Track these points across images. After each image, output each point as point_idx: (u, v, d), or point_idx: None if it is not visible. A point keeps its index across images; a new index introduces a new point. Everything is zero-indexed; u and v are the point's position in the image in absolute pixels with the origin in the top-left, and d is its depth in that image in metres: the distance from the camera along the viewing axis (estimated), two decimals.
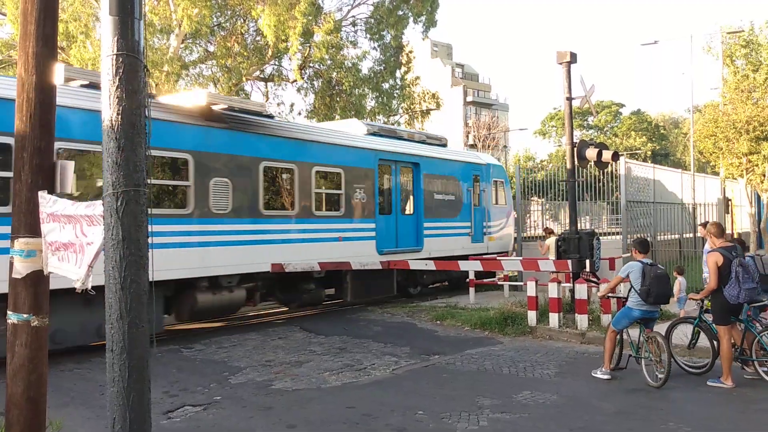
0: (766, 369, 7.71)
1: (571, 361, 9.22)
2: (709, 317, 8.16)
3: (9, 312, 3.89)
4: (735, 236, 18.38)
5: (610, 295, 9.32)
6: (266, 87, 30.10)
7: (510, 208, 19.13)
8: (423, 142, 16.82)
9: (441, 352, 9.90)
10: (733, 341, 7.77)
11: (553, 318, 11.20)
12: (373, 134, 15.30)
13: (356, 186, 13.93)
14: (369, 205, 14.21)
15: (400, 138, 16.19)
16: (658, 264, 8.22)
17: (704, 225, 10.00)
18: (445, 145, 17.80)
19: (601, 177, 17.35)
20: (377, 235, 14.34)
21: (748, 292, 7.47)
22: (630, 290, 8.02)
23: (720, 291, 7.63)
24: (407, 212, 15.68)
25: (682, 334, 8.80)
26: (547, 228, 17.13)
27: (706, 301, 8.15)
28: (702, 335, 8.47)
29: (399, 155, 15.27)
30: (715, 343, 8.03)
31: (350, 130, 14.98)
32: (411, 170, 15.74)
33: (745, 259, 7.74)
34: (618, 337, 8.24)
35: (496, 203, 18.41)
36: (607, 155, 12.14)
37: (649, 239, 16.22)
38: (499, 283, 16.82)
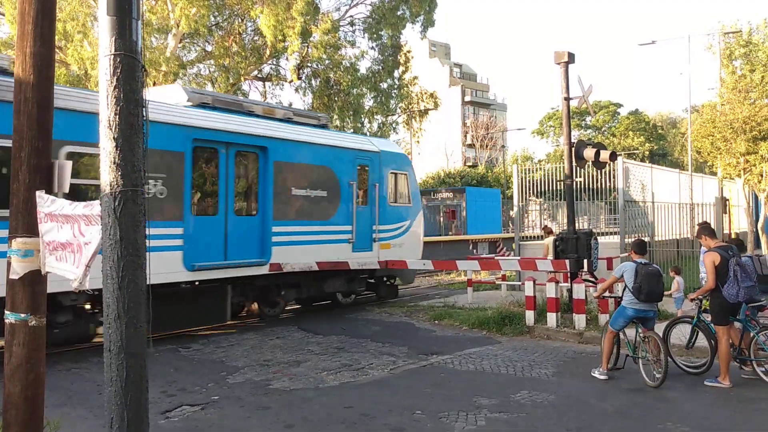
0: (763, 369, 7.73)
1: (569, 361, 9.23)
2: (707, 317, 8.18)
3: (6, 311, 3.89)
4: (732, 236, 18.42)
5: (605, 295, 9.36)
6: (264, 87, 30.13)
7: (417, 206, 15.74)
8: (288, 120, 13.13)
9: (439, 351, 9.90)
10: (731, 341, 7.79)
11: (551, 318, 11.21)
12: (201, 105, 11.42)
13: (150, 176, 9.94)
14: (174, 202, 10.45)
15: (247, 113, 12.33)
16: (653, 264, 8.26)
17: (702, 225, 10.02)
18: (324, 126, 14.30)
19: (599, 177, 17.37)
20: (186, 243, 10.57)
21: (747, 290, 7.50)
22: (624, 289, 8.07)
23: (719, 291, 7.65)
24: (247, 212, 12.08)
25: (681, 333, 8.82)
26: (545, 227, 17.06)
27: (704, 301, 8.17)
28: (700, 335, 8.49)
29: (232, 135, 11.38)
30: (713, 342, 8.05)
31: (162, 99, 11.08)
32: (255, 156, 12.00)
33: (741, 259, 7.77)
34: (615, 337, 8.27)
35: (395, 201, 14.96)
36: (604, 155, 12.16)
37: (647, 239, 16.26)
38: (497, 282, 16.81)
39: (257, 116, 12.45)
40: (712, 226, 8.65)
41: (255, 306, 13.10)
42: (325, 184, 13.20)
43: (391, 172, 14.94)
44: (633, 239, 8.72)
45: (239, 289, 11.91)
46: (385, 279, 15.51)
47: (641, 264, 7.93)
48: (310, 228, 12.83)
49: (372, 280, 15.13)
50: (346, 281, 14.06)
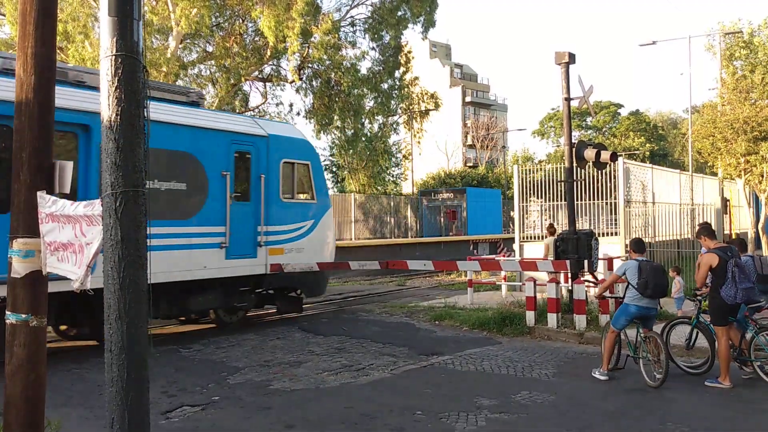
0: (764, 369, 7.73)
1: (570, 362, 9.23)
2: (707, 318, 8.18)
3: (7, 312, 3.90)
4: (733, 236, 18.41)
5: (606, 294, 9.34)
6: (265, 87, 30.16)
7: (323, 204, 13.43)
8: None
9: (440, 352, 9.91)
10: (731, 342, 7.79)
11: (552, 318, 11.21)
12: (2, 72, 8.75)
13: None
14: None
15: (74, 83, 9.76)
16: (653, 261, 8.28)
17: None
18: (196, 104, 11.73)
19: (600, 177, 17.36)
20: None
21: (745, 291, 7.50)
22: (627, 287, 8.05)
23: (717, 292, 7.65)
24: None
25: (681, 334, 8.82)
26: (550, 225, 16.92)
27: (703, 302, 8.18)
28: (700, 336, 8.49)
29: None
30: (713, 343, 8.05)
31: None
32: (74, 137, 9.51)
33: (740, 259, 7.77)
34: (616, 337, 8.27)
35: (291, 197, 12.63)
36: (605, 156, 12.16)
37: (647, 240, 16.23)
38: (498, 283, 16.80)
39: (89, 88, 9.66)
40: (713, 227, 8.66)
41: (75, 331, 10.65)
42: (183, 174, 10.70)
43: (286, 162, 12.50)
44: (632, 238, 8.73)
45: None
46: (287, 291, 13.13)
47: (643, 261, 7.95)
48: (160, 230, 10.20)
49: (272, 292, 12.81)
50: (221, 295, 11.56)
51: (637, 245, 8.26)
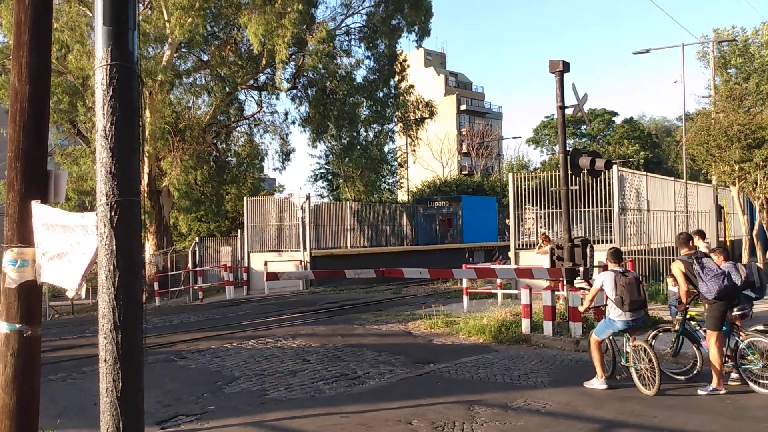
0: (749, 375, 7.76)
1: (566, 369, 9.22)
2: (693, 324, 8.24)
3: (1, 322, 3.88)
4: (728, 244, 18.44)
5: (593, 305, 9.34)
6: (260, 96, 30.17)
7: None
8: None
9: (436, 360, 9.89)
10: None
11: (547, 326, 11.21)
12: None
13: None
14: None
15: None
16: (629, 271, 8.26)
17: (697, 233, 10.04)
18: None
19: (595, 185, 17.39)
20: None
21: (720, 288, 7.53)
22: (608, 301, 8.05)
23: (703, 295, 7.75)
24: None
25: (666, 341, 8.82)
26: (543, 234, 16.92)
27: (689, 308, 8.21)
28: (685, 342, 8.47)
29: None
30: (699, 349, 8.10)
31: None
32: None
33: (703, 260, 7.82)
34: (607, 345, 8.26)
35: None
36: (600, 163, 12.19)
37: (641, 247, 16.26)
38: (493, 291, 16.78)
39: None
40: (707, 234, 8.70)
41: None
42: None
43: None
44: (610, 249, 8.73)
45: None
46: None
47: (619, 273, 7.94)
48: None
49: None
50: None
51: (614, 256, 8.30)
